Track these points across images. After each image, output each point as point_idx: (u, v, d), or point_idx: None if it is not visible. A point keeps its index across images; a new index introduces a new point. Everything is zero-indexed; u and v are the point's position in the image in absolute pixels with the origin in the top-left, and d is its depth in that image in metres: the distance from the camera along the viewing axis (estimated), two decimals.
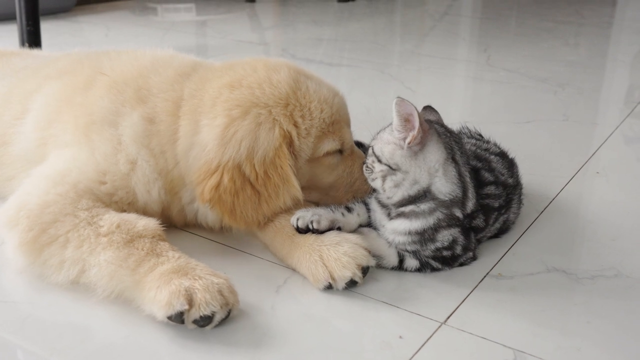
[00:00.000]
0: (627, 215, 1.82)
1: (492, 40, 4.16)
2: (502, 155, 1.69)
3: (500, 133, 1.85)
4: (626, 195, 1.96)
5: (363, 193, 1.65)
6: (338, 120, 1.61)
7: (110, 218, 1.42)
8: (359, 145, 1.89)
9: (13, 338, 1.27)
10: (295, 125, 1.54)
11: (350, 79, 3.23)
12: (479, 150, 1.65)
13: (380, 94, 3.00)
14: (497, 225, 1.59)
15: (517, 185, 1.66)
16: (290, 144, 1.53)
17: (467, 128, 1.85)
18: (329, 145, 1.59)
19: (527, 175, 1.76)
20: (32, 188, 1.48)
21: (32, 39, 3.07)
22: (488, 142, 1.75)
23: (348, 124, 1.67)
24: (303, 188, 1.57)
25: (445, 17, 5.09)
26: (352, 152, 1.68)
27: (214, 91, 1.55)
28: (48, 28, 3.98)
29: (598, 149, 2.30)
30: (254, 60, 1.66)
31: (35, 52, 2.25)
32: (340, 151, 1.64)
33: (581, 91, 3.06)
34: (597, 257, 1.59)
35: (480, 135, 1.79)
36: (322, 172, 1.62)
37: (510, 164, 1.68)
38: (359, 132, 1.98)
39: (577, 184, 2.01)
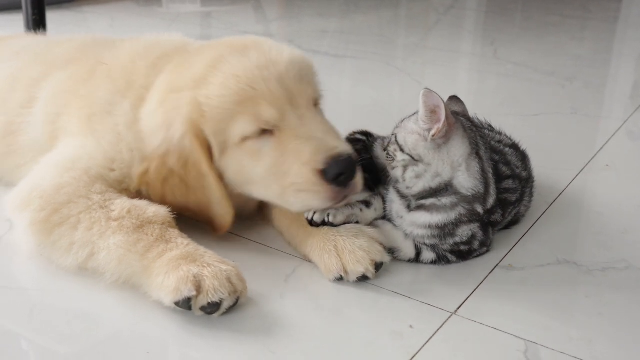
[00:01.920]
0: (638, 208, 1.81)
1: (498, 34, 4.14)
2: (515, 147, 1.68)
3: (508, 126, 1.84)
4: (636, 189, 1.94)
5: (309, 186, 1.38)
6: (252, 97, 1.38)
7: (122, 203, 1.41)
8: (366, 135, 1.88)
9: (22, 325, 1.27)
10: (201, 108, 1.39)
11: (356, 71, 3.22)
12: (493, 143, 1.62)
13: (386, 86, 2.99)
14: (509, 218, 1.58)
15: (529, 178, 1.64)
16: (201, 131, 1.41)
17: (477, 119, 1.83)
18: (240, 127, 1.39)
19: (536, 167, 1.75)
20: (44, 172, 1.48)
21: (38, 28, 3.05)
22: (500, 133, 1.73)
23: (272, 100, 1.39)
24: (245, 182, 1.45)
25: (450, 11, 5.07)
26: (284, 130, 1.40)
27: (163, 75, 1.51)
28: (53, 18, 3.96)
29: (607, 142, 2.29)
30: (223, 40, 1.55)
31: (33, 35, 2.23)
32: (268, 132, 1.41)
33: (588, 85, 3.04)
34: (608, 250, 1.58)
35: (491, 126, 1.78)
36: (247, 162, 1.43)
37: (523, 156, 1.66)
38: (366, 123, 1.97)
39: (586, 177, 2.00)
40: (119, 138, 1.51)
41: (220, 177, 1.46)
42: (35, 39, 2.07)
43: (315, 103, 1.50)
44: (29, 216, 1.40)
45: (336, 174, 1.37)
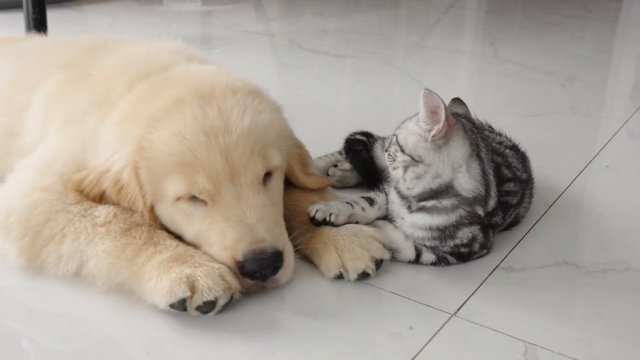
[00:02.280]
0: (638, 209, 1.81)
1: (498, 34, 4.14)
2: (515, 148, 1.68)
3: (509, 125, 1.84)
4: (636, 189, 1.94)
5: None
6: (191, 163, 1.33)
7: (106, 208, 1.41)
8: (367, 135, 1.88)
9: (22, 325, 1.27)
10: (143, 153, 1.36)
11: (356, 70, 3.22)
12: (494, 144, 1.62)
13: (387, 85, 2.99)
14: (509, 220, 1.58)
15: (529, 180, 1.65)
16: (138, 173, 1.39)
17: (478, 120, 1.83)
18: (174, 187, 1.34)
19: (536, 168, 1.75)
20: (16, 187, 1.47)
21: (38, 27, 3.05)
22: (500, 134, 1.73)
23: (211, 172, 1.33)
24: (178, 234, 1.41)
25: (450, 10, 5.06)
26: (217, 206, 1.34)
27: (130, 94, 1.49)
28: (53, 17, 3.96)
29: (607, 142, 2.29)
30: (200, 73, 1.50)
31: (39, 36, 2.24)
32: (201, 201, 1.35)
33: (589, 85, 3.04)
34: (608, 251, 1.58)
35: (491, 127, 1.78)
36: (180, 220, 1.39)
37: (523, 158, 1.66)
38: (366, 122, 1.97)
39: (587, 178, 2.00)
40: (84, 147, 1.50)
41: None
42: (44, 40, 2.08)
43: (269, 173, 1.42)
44: (14, 247, 1.39)
45: (252, 271, 1.30)
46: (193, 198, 1.35)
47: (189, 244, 1.38)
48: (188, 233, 1.39)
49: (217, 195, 1.34)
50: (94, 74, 1.62)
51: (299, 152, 1.61)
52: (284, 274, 1.35)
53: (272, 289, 1.37)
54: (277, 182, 1.46)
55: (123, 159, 1.39)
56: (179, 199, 1.36)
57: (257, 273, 1.31)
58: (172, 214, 1.39)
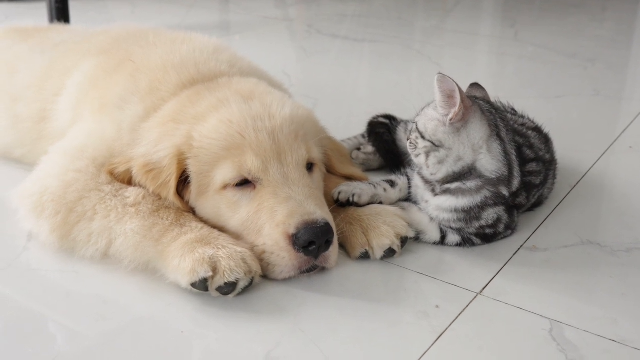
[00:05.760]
0: None
1: (518, 16, 4.11)
2: (538, 130, 1.68)
3: (530, 108, 1.84)
4: None
5: (276, 250, 1.33)
6: (240, 145, 1.38)
7: (136, 190, 1.44)
8: (390, 118, 1.89)
9: (59, 305, 1.31)
10: (191, 142, 1.41)
11: (376, 55, 3.22)
12: (516, 126, 1.63)
13: (406, 69, 3.00)
14: (533, 200, 1.59)
15: (552, 161, 1.65)
16: (183, 164, 1.43)
17: (500, 102, 1.84)
18: (223, 173, 1.39)
19: (559, 150, 1.76)
20: (50, 168, 1.51)
21: (61, 16, 3.09)
22: (523, 116, 1.74)
23: (259, 151, 1.38)
24: (219, 227, 1.43)
25: None
26: (265, 186, 1.38)
27: (176, 99, 1.52)
28: (75, 5, 3.99)
29: (630, 124, 2.28)
30: (240, 81, 1.56)
31: (70, 27, 2.27)
32: (250, 185, 1.39)
33: (610, 66, 3.02)
34: (632, 231, 1.58)
35: (514, 109, 1.79)
36: (225, 211, 1.41)
37: (546, 139, 1.67)
38: (386, 106, 1.98)
39: (610, 159, 2.00)
40: (119, 134, 1.53)
41: (191, 209, 1.46)
42: (73, 29, 2.11)
43: (311, 163, 1.47)
44: (47, 223, 1.43)
45: (307, 241, 1.30)
46: (240, 184, 1.38)
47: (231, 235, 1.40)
48: (233, 222, 1.40)
49: (266, 175, 1.37)
50: (136, 63, 1.64)
51: (336, 146, 1.67)
52: (333, 253, 1.37)
53: (320, 272, 1.39)
54: (318, 175, 1.51)
55: (168, 149, 1.43)
56: (225, 186, 1.39)
57: (312, 245, 1.31)
58: (217, 204, 1.42)
